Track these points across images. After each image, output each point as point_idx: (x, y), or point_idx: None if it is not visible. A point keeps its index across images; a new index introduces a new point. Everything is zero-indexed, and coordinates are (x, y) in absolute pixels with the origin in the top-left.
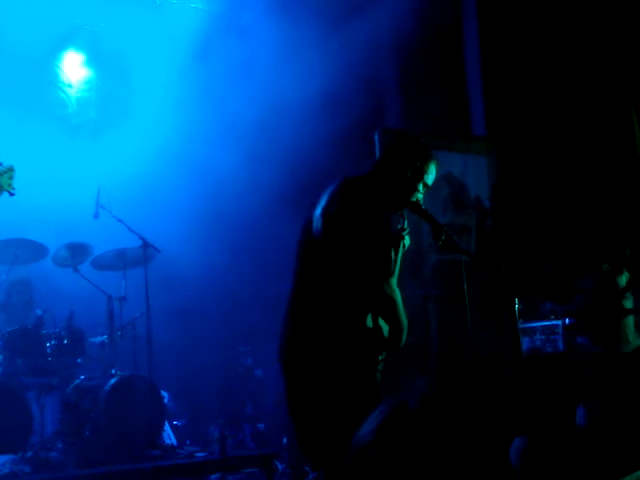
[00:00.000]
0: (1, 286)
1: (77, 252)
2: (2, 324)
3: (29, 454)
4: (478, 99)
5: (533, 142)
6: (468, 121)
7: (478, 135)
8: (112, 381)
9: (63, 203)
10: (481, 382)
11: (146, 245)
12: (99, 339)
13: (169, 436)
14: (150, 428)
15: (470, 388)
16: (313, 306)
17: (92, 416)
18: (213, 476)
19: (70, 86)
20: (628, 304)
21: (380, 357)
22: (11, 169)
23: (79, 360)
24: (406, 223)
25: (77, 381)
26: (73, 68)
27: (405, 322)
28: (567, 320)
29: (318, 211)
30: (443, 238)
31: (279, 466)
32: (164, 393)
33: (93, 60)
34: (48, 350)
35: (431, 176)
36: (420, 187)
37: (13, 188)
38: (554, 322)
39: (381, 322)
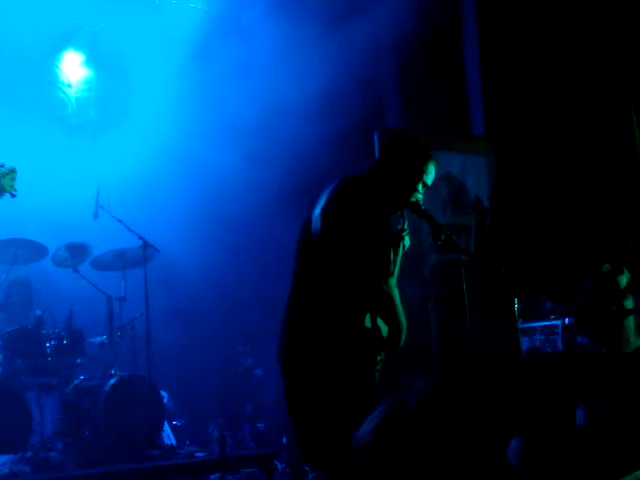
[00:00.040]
0: (1, 286)
1: (77, 252)
2: (2, 324)
3: (29, 454)
4: (477, 99)
5: (533, 142)
6: (468, 121)
7: (477, 135)
8: (112, 381)
9: (63, 203)
10: (480, 382)
11: (146, 245)
12: (99, 339)
13: (169, 436)
14: (150, 428)
15: (469, 388)
16: (312, 306)
17: (92, 416)
18: (213, 476)
19: (70, 86)
20: (629, 304)
21: (379, 357)
22: (13, 170)
23: (79, 360)
24: (406, 223)
25: (77, 381)
26: (72, 68)
27: (404, 322)
28: (567, 320)
29: (317, 211)
30: (443, 238)
31: (279, 466)
32: (164, 393)
33: (92, 60)
34: (48, 350)
35: (430, 176)
36: (419, 187)
37: (15, 189)
38: (554, 322)
39: (380, 322)
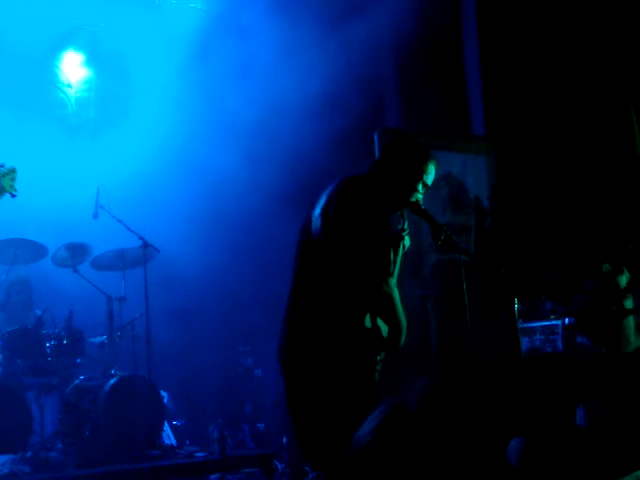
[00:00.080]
0: (1, 286)
1: (77, 252)
2: (2, 324)
3: (29, 454)
4: (477, 99)
5: (533, 142)
6: (467, 121)
7: (477, 135)
8: (112, 381)
9: (63, 203)
10: (480, 382)
11: (146, 245)
12: (99, 339)
13: (169, 436)
14: (150, 428)
15: (469, 388)
16: (312, 306)
17: (92, 416)
18: (213, 476)
19: (69, 86)
20: (628, 304)
21: (379, 357)
22: (13, 171)
23: (79, 360)
24: (406, 224)
25: (77, 381)
26: (72, 68)
27: (404, 322)
28: (567, 320)
29: (317, 211)
30: (442, 238)
31: (279, 466)
32: (164, 393)
33: (92, 60)
34: (48, 350)
35: (430, 176)
36: (419, 187)
37: (15, 190)
38: (553, 322)
39: (380, 322)
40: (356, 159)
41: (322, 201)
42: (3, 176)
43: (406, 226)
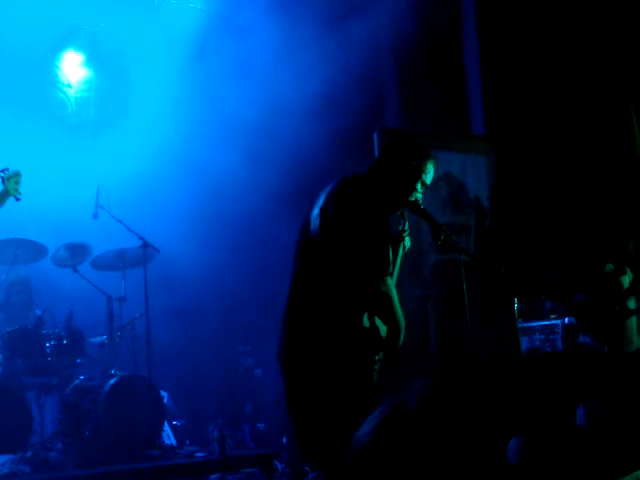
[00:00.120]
0: (1, 286)
1: (76, 252)
2: (2, 324)
3: (29, 454)
4: (477, 99)
5: (532, 141)
6: (467, 121)
7: (477, 135)
8: (112, 381)
9: (62, 203)
10: (480, 382)
11: (145, 245)
12: (99, 339)
13: (169, 436)
14: (150, 428)
15: (469, 388)
16: (311, 306)
17: (92, 416)
18: (213, 476)
19: (69, 86)
20: (631, 304)
21: (377, 357)
22: (17, 174)
23: (79, 360)
24: (407, 224)
25: (77, 381)
26: (72, 68)
27: (403, 322)
28: (566, 320)
29: (316, 211)
30: (442, 238)
31: (279, 466)
32: (163, 393)
33: (92, 60)
34: (48, 350)
35: (429, 175)
36: (418, 186)
37: (19, 193)
38: (553, 322)
39: (378, 322)
40: (356, 159)
41: (321, 201)
42: (8, 180)
43: (406, 227)
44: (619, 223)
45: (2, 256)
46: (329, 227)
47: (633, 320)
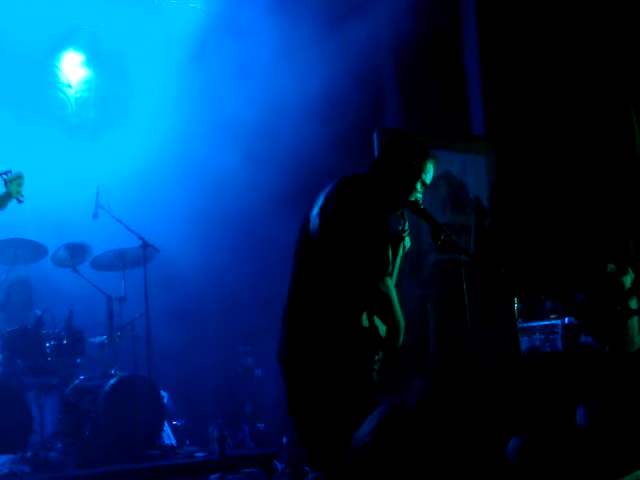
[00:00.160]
0: (1, 286)
1: (76, 252)
2: (2, 324)
3: (29, 454)
4: (477, 98)
5: (532, 141)
6: (467, 120)
7: (477, 134)
8: (112, 381)
9: (62, 203)
10: (480, 382)
11: (145, 245)
12: (98, 339)
13: (168, 436)
14: (150, 428)
15: (469, 388)
16: (310, 306)
17: (92, 416)
18: (213, 476)
19: (69, 86)
20: (633, 304)
21: (377, 357)
22: (20, 177)
23: (79, 360)
24: (407, 224)
25: (77, 381)
26: (72, 68)
27: (402, 322)
28: (567, 320)
29: (315, 211)
30: (442, 238)
31: (279, 466)
32: (163, 393)
33: (92, 60)
34: (48, 350)
35: (429, 175)
36: (418, 186)
37: (22, 195)
38: (553, 322)
39: (378, 322)
40: (356, 159)
41: (320, 201)
42: (10, 182)
43: (406, 227)
44: (619, 223)
45: (2, 256)
46: (329, 227)
47: (635, 320)
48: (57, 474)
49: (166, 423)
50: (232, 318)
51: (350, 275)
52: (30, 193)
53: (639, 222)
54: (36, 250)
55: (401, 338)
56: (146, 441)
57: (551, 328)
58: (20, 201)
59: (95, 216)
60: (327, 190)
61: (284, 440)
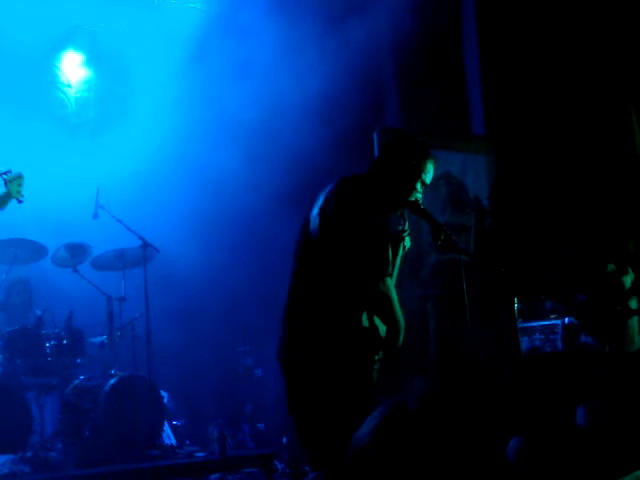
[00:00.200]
0: (1, 286)
1: (76, 252)
2: (2, 324)
3: (29, 454)
4: (477, 98)
5: (532, 141)
6: (467, 120)
7: (477, 134)
8: (112, 381)
9: (62, 203)
10: (480, 382)
11: (145, 245)
12: (99, 339)
13: (169, 436)
14: (150, 428)
15: (469, 388)
16: (310, 306)
17: (92, 416)
18: (213, 476)
19: (69, 86)
20: (633, 304)
21: (377, 357)
22: (20, 177)
23: (79, 360)
24: (407, 224)
25: (77, 381)
26: (72, 68)
27: (402, 322)
28: (566, 319)
29: (315, 211)
30: (442, 238)
31: (279, 466)
32: (163, 393)
33: (92, 60)
34: (48, 350)
35: (429, 175)
36: (418, 186)
37: (22, 195)
38: (553, 322)
39: (377, 322)
40: (356, 159)
41: (320, 201)
42: (10, 182)
43: (406, 227)
44: (619, 223)
45: (2, 256)
46: (328, 227)
47: (635, 320)
48: (57, 474)
49: (166, 423)
50: (232, 318)
51: (350, 275)
52: (30, 193)
53: (639, 222)
54: (36, 250)
55: (401, 338)
56: (146, 441)
57: (551, 328)
58: (20, 201)
59: (95, 216)
60: (327, 190)
61: (284, 440)
